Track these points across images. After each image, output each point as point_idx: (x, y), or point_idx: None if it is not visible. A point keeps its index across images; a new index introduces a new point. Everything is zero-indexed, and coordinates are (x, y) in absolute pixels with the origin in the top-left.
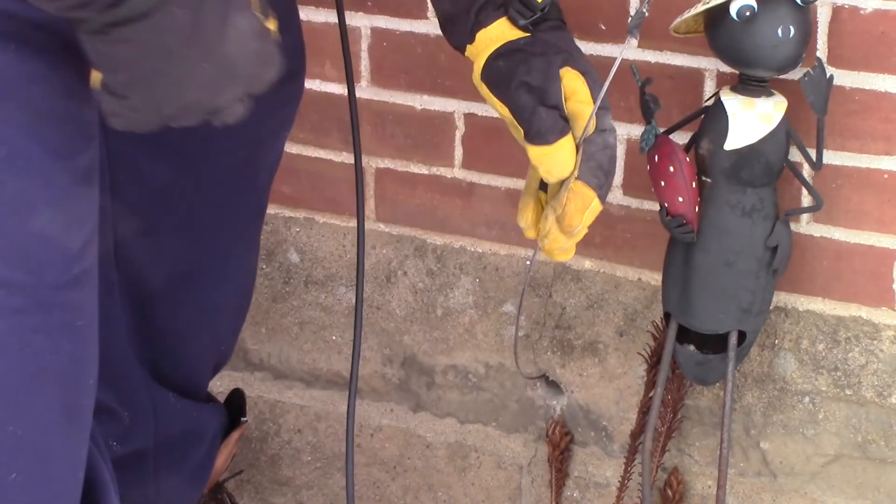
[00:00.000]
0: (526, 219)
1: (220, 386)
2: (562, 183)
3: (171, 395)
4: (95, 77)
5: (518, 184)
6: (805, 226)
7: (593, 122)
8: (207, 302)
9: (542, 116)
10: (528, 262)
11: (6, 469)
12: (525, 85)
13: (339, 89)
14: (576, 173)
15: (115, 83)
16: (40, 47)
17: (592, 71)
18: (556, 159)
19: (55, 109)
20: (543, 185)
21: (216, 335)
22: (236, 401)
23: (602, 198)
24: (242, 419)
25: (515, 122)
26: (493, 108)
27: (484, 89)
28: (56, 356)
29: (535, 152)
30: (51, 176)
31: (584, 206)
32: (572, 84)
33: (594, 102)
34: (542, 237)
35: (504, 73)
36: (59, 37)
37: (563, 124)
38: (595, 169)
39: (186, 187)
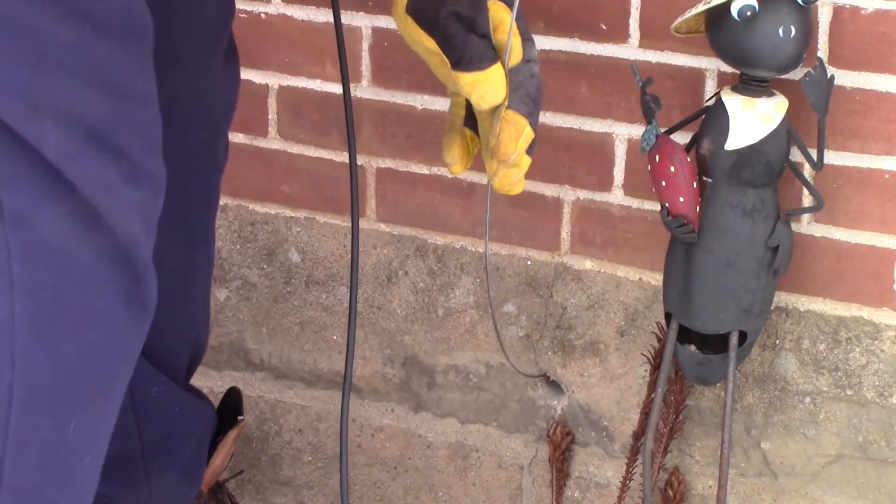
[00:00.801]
0: (453, 154)
1: (220, 386)
2: (493, 115)
3: (153, 389)
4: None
5: None
6: (806, 226)
7: (520, 50)
8: (173, 289)
9: (475, 43)
10: (486, 210)
11: (84, 451)
12: (454, 14)
13: (340, 89)
14: (506, 103)
15: None
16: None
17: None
18: (489, 86)
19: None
20: (468, 122)
21: (185, 324)
22: (232, 399)
23: (533, 126)
24: (239, 417)
25: (442, 54)
26: (414, 46)
27: (409, 22)
28: (136, 335)
29: (467, 80)
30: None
31: (517, 134)
32: (499, 15)
33: (512, 26)
34: (491, 177)
35: (432, 4)
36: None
37: (494, 52)
38: (524, 97)
39: None
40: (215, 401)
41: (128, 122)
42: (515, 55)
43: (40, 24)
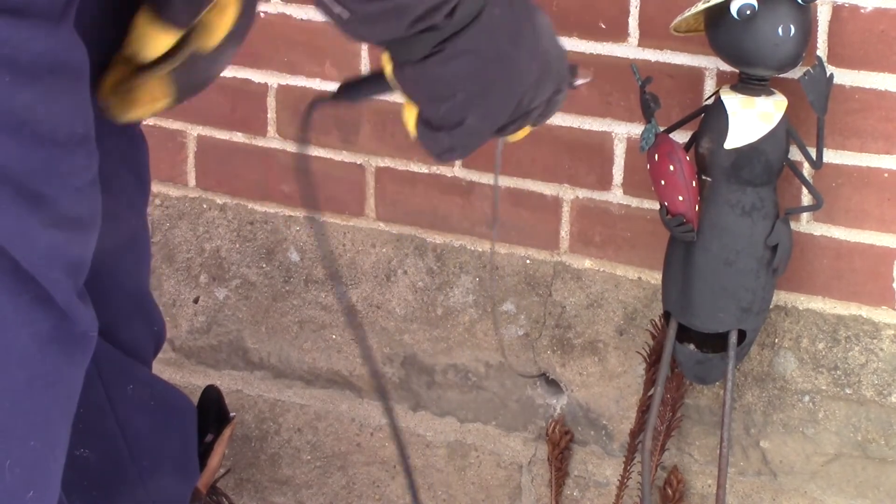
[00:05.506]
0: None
1: (219, 385)
2: None
3: (129, 387)
4: (411, 122)
5: (518, 183)
6: (805, 225)
7: None
8: (130, 282)
9: None
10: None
11: (25, 486)
12: None
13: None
14: None
15: (451, 109)
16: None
17: None
18: None
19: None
20: None
21: (146, 315)
22: (213, 398)
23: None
24: (232, 415)
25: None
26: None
27: None
28: (70, 365)
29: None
30: None
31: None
32: None
33: None
34: None
35: None
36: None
37: None
38: None
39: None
40: (194, 399)
41: (49, 166)
42: None
43: None
